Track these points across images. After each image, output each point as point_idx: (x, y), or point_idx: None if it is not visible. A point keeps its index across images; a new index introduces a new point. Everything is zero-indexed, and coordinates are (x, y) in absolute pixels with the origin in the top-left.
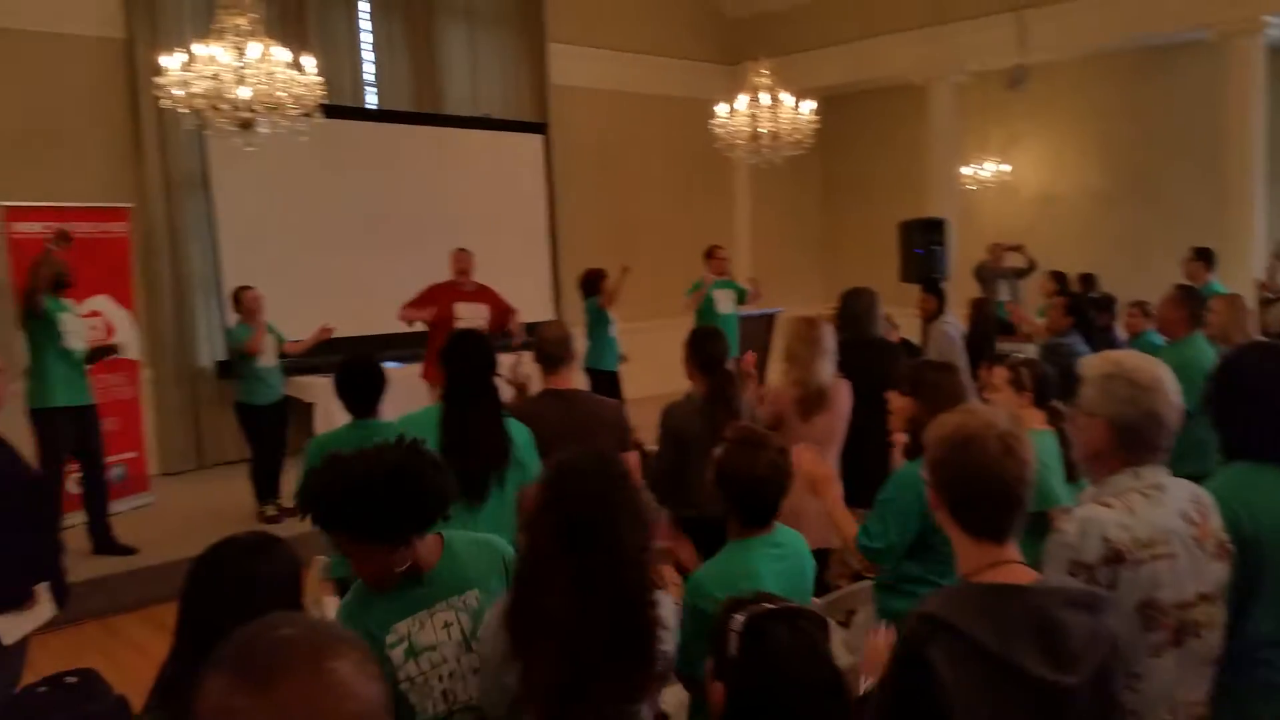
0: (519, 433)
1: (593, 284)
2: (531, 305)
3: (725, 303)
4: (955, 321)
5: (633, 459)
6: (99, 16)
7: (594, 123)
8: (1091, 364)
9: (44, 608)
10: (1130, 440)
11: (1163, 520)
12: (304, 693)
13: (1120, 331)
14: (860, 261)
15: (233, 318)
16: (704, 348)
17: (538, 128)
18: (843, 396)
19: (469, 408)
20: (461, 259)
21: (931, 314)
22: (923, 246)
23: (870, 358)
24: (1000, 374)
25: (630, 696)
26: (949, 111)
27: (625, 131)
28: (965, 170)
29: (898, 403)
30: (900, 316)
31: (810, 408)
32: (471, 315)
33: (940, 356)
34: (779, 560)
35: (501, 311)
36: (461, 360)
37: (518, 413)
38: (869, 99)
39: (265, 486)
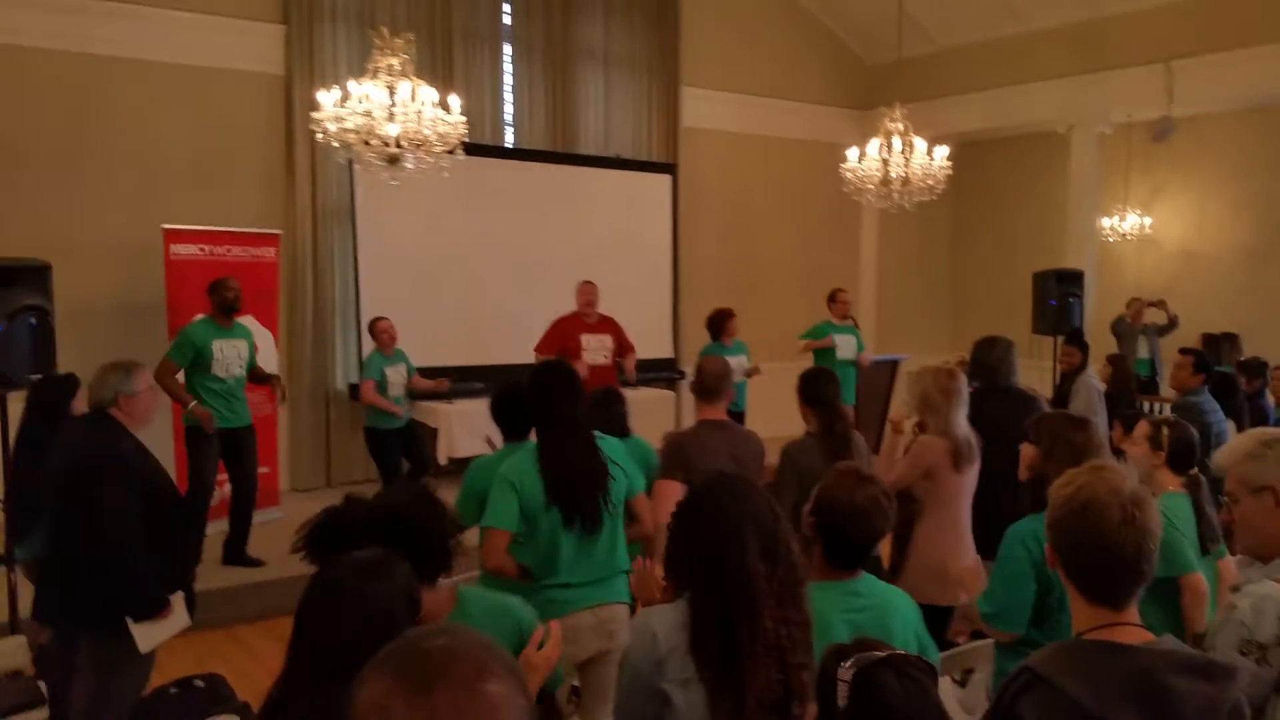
0: (613, 449)
1: (718, 324)
2: (652, 341)
3: (845, 348)
4: (1096, 377)
5: None
6: (262, 54)
7: (722, 164)
8: (1247, 439)
9: (179, 617)
10: None
11: None
12: (459, 706)
13: (1269, 397)
14: (990, 311)
15: (368, 345)
16: (814, 388)
17: (667, 168)
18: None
19: (565, 438)
20: (587, 291)
21: (1075, 367)
22: (1058, 298)
23: (1007, 407)
24: (1142, 428)
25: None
26: (1090, 161)
27: (753, 173)
28: (1104, 222)
29: (1027, 452)
30: (1032, 370)
31: (963, 459)
32: (596, 347)
33: (1086, 412)
34: (856, 611)
35: (623, 346)
36: (547, 392)
37: (681, 440)
38: (1006, 146)
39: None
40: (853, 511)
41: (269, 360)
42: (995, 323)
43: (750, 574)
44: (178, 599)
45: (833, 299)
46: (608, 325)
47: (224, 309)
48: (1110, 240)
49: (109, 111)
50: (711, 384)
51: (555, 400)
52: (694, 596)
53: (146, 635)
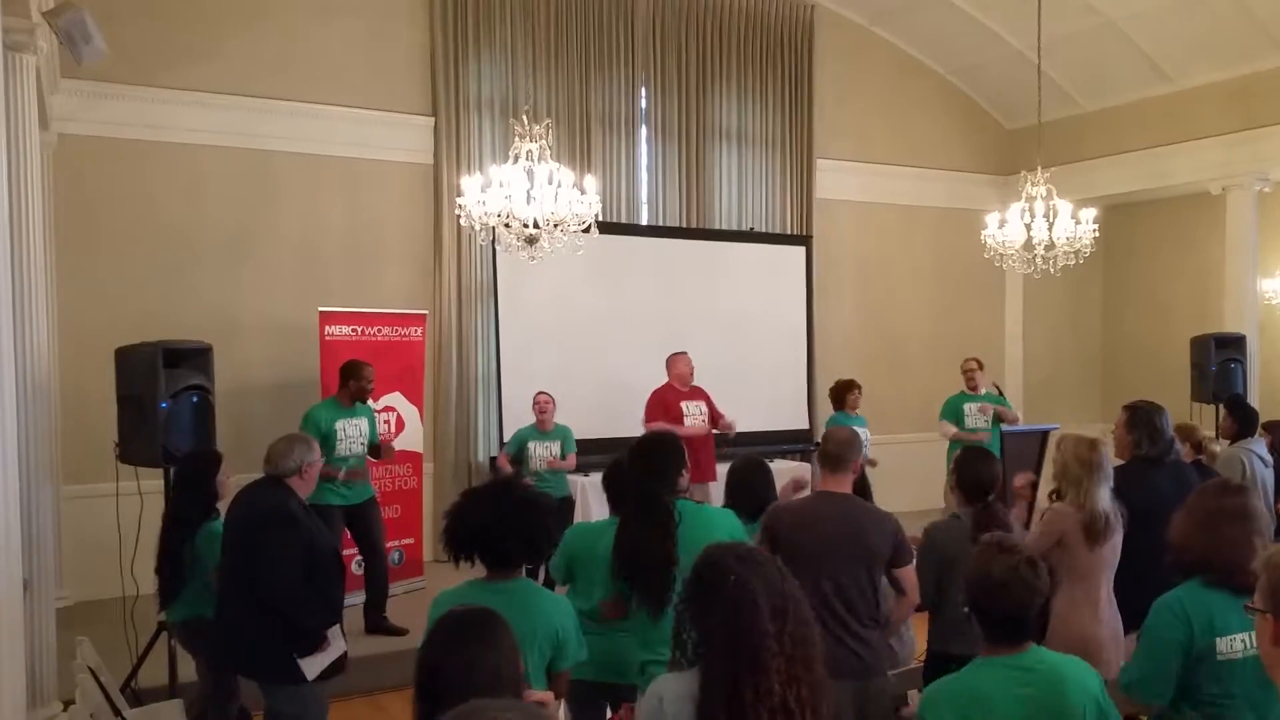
0: (723, 526)
1: (839, 395)
2: (787, 412)
3: (976, 417)
4: (1261, 449)
5: (909, 574)
6: (413, 145)
7: (857, 234)
8: None
9: (336, 645)
10: None
11: None
12: None
13: None
14: (1145, 378)
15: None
16: (970, 471)
17: (801, 240)
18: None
19: (641, 517)
20: (688, 361)
21: (1231, 436)
22: (1217, 364)
23: (1159, 477)
24: None
25: None
26: (1248, 221)
27: (889, 241)
28: (1266, 284)
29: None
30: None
31: (1096, 535)
32: (695, 413)
33: None
34: (1023, 685)
35: (714, 413)
36: (641, 464)
37: (778, 511)
38: (1157, 208)
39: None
40: (990, 584)
41: (414, 435)
42: (1151, 390)
43: (760, 633)
44: (334, 631)
45: (962, 370)
46: (699, 393)
47: (356, 396)
48: (1273, 303)
49: (272, 202)
50: (836, 451)
51: (643, 475)
52: (705, 663)
53: (310, 665)
